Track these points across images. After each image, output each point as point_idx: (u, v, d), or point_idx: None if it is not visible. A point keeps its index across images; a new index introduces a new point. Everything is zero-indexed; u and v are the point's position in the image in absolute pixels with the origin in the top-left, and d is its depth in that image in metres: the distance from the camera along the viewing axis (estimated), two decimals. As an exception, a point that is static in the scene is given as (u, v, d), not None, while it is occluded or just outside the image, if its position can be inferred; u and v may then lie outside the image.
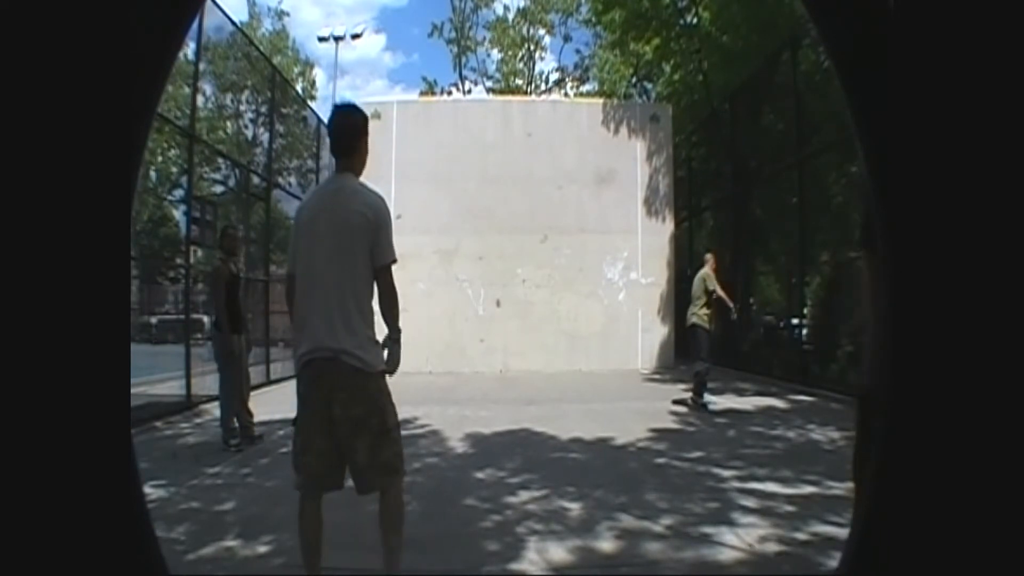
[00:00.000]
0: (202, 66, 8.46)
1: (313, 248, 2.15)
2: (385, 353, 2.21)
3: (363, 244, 2.12)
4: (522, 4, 26.15)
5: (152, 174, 20.47)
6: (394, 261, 2.19)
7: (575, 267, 11.44)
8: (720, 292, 6.66)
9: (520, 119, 11.97)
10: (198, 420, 6.14)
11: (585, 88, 24.31)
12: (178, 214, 22.21)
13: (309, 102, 19.97)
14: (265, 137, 12.33)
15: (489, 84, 25.83)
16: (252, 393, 8.12)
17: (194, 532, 2.88)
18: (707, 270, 6.73)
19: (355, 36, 26.79)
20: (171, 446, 4.88)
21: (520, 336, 11.01)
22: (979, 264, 0.81)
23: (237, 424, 4.87)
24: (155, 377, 7.42)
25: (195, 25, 6.50)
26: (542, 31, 26.15)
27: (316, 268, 2.13)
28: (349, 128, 2.34)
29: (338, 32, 24.66)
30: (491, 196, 11.27)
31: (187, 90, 8.31)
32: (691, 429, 5.35)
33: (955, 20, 0.80)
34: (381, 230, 2.15)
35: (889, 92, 0.83)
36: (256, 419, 5.98)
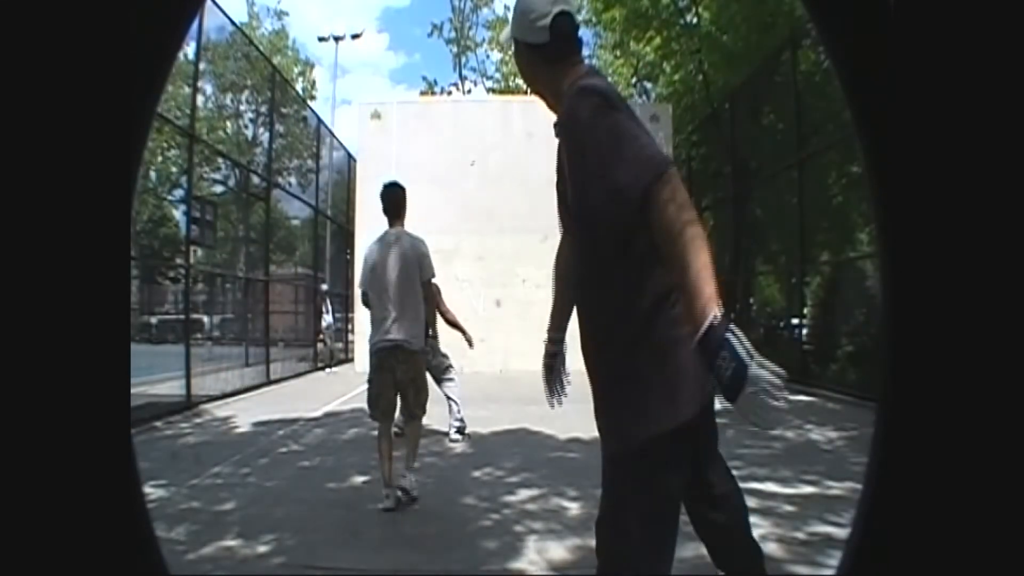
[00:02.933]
0: (202, 66, 8.46)
1: (384, 274, 3.39)
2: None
3: (415, 269, 3.40)
4: (522, 4, 26.12)
5: (152, 174, 20.52)
6: (434, 276, 3.53)
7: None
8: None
9: (520, 119, 11.96)
10: (198, 420, 6.14)
11: (585, 88, 24.29)
12: (178, 214, 22.28)
13: (309, 102, 20.00)
14: (265, 137, 12.34)
15: (489, 84, 25.85)
16: (252, 393, 8.17)
17: (194, 532, 2.88)
18: None
19: (355, 36, 26.84)
20: (171, 446, 4.88)
21: (520, 336, 11.00)
22: (980, 264, 0.81)
23: None
24: (155, 377, 7.41)
25: (195, 25, 6.50)
26: (542, 31, 26.14)
27: (386, 286, 3.38)
28: (397, 199, 3.64)
29: (338, 32, 24.71)
30: (491, 196, 11.27)
31: (187, 90, 8.31)
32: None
33: (955, 20, 0.80)
34: (425, 258, 3.47)
35: (889, 92, 0.83)
36: (256, 419, 6.00)
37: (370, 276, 3.46)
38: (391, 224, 3.59)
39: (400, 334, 3.32)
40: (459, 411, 5.11)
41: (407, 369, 3.37)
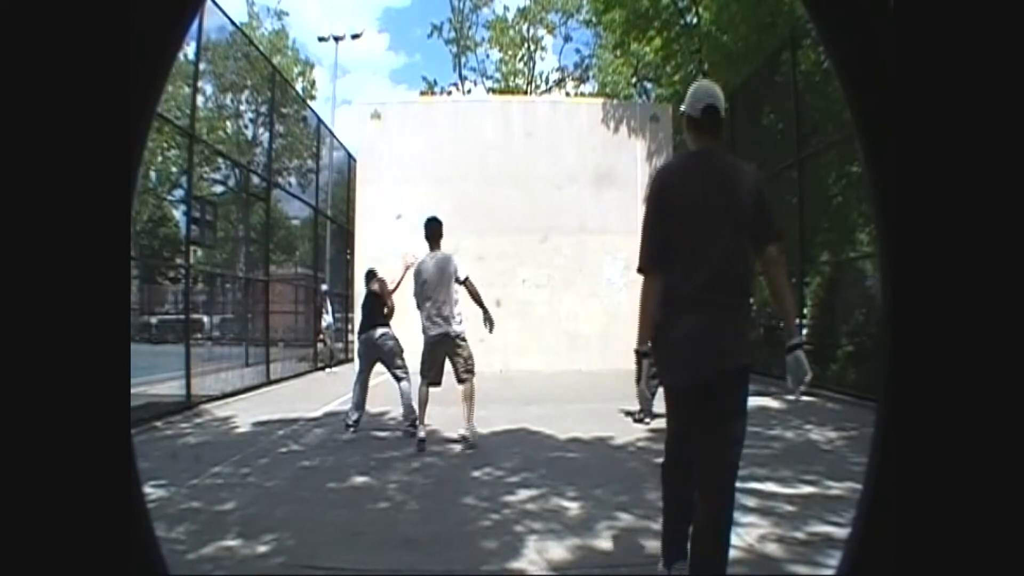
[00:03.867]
0: (202, 66, 8.46)
1: (427, 281, 4.75)
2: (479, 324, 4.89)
3: (450, 276, 4.72)
4: (522, 4, 26.16)
5: (152, 174, 20.51)
6: (467, 277, 4.80)
7: (575, 267, 11.44)
8: None
9: (520, 119, 11.97)
10: (198, 420, 6.14)
11: (585, 88, 24.34)
12: (178, 214, 22.27)
13: (309, 102, 20.00)
14: (265, 137, 12.33)
15: (489, 84, 25.86)
16: (252, 393, 8.17)
17: (194, 532, 2.88)
18: None
19: (355, 36, 26.81)
20: (171, 446, 4.88)
21: (520, 336, 11.00)
22: (980, 264, 0.81)
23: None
24: (155, 377, 7.41)
25: (195, 25, 6.50)
26: (542, 31, 26.17)
27: (428, 290, 4.75)
28: (437, 230, 4.96)
29: (338, 32, 24.68)
30: (491, 196, 11.27)
31: (187, 90, 8.30)
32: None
33: (955, 20, 0.80)
34: (458, 266, 4.76)
35: (889, 92, 0.83)
36: (256, 419, 6.00)
37: (417, 282, 4.83)
38: (432, 247, 4.90)
39: (444, 327, 4.70)
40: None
41: (454, 349, 4.77)
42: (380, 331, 5.41)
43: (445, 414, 5.25)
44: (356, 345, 5.71)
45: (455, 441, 4.73)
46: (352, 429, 5.19)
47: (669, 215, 2.13)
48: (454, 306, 4.74)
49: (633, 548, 2.70)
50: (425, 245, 4.92)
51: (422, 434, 4.63)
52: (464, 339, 4.82)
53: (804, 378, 2.04)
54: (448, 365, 4.85)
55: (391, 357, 5.41)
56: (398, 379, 5.40)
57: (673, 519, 2.19)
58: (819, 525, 2.89)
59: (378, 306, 5.54)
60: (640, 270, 2.17)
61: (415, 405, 5.00)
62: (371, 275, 5.85)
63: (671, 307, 2.05)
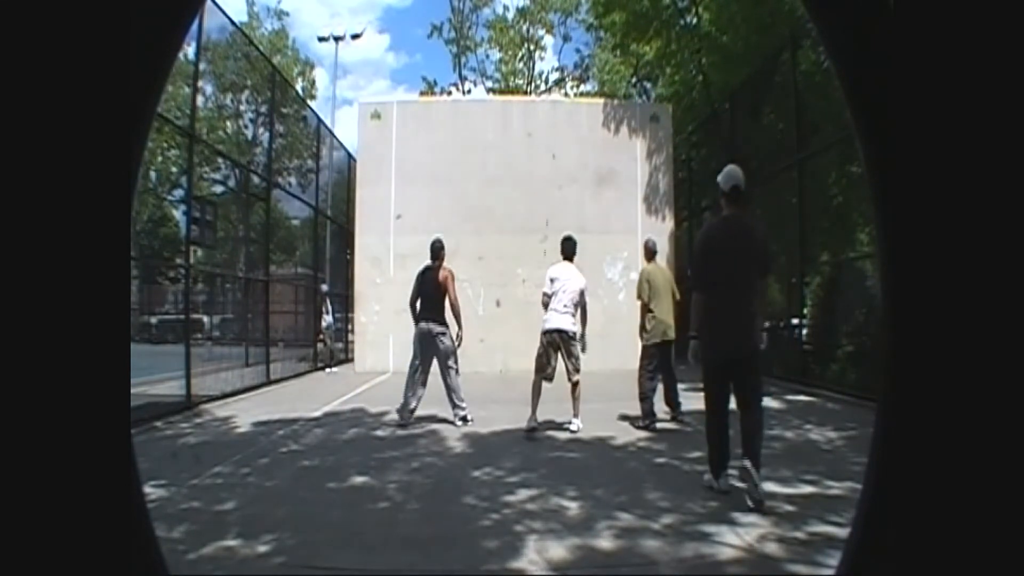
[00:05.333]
0: (202, 66, 8.46)
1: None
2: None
3: (580, 289, 5.75)
4: (522, 4, 26.16)
5: (152, 174, 20.51)
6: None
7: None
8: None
9: (520, 119, 11.95)
10: (198, 420, 6.14)
11: (585, 88, 24.32)
12: (178, 214, 22.28)
13: (309, 102, 20.00)
14: (265, 137, 12.33)
15: (489, 84, 25.85)
16: (252, 393, 8.17)
17: (194, 532, 2.88)
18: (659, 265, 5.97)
19: (355, 36, 26.87)
20: (171, 446, 4.88)
21: (520, 336, 10.97)
22: (979, 264, 0.81)
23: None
24: (155, 377, 7.41)
25: (195, 25, 6.50)
26: (542, 31, 26.17)
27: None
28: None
29: (338, 32, 24.71)
30: (491, 196, 11.26)
31: (187, 90, 8.30)
32: (690, 429, 5.35)
33: (955, 20, 0.80)
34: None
35: (889, 92, 0.83)
36: (256, 419, 6.01)
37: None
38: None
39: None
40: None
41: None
42: (438, 328, 5.61)
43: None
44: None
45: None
46: (404, 423, 5.52)
47: (711, 258, 3.55)
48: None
49: (633, 548, 2.70)
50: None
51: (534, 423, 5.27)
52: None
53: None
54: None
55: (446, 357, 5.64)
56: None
57: (716, 449, 3.52)
58: (819, 525, 2.89)
59: (439, 297, 5.61)
60: (695, 289, 3.60)
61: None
62: (438, 248, 5.84)
63: (712, 311, 3.49)
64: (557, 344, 5.39)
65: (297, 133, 13.99)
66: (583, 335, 5.64)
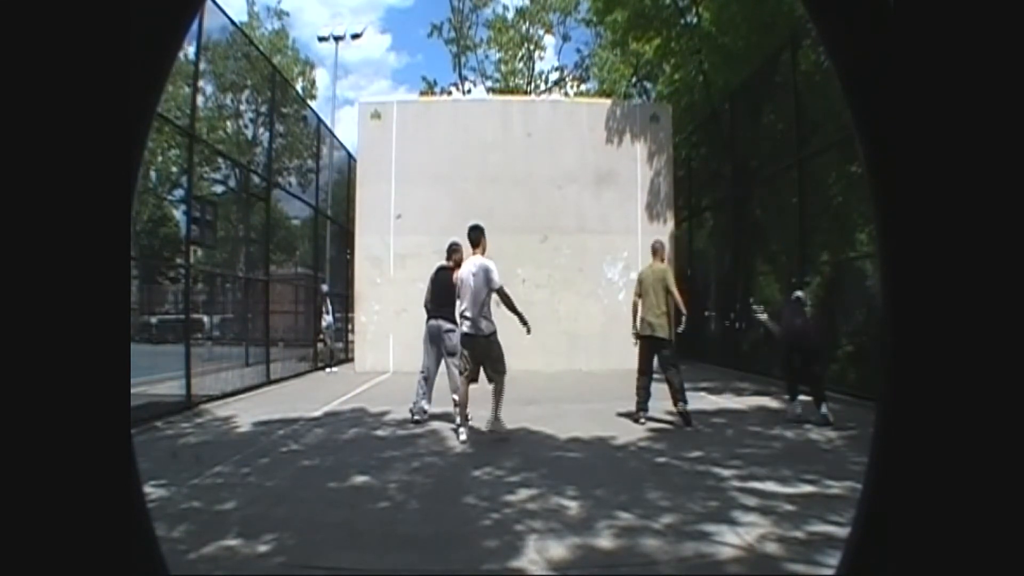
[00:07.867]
0: (202, 66, 8.46)
1: (466, 285, 5.23)
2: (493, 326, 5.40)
3: (484, 280, 5.16)
4: (521, 4, 26.14)
5: (152, 174, 20.52)
6: (501, 287, 5.24)
7: (575, 267, 11.43)
8: (677, 295, 5.73)
9: (520, 119, 11.95)
10: (198, 420, 6.14)
11: (585, 88, 24.31)
12: (178, 214, 22.28)
13: (309, 102, 19.99)
14: (265, 137, 12.33)
15: (489, 84, 25.84)
16: (252, 393, 8.17)
17: (194, 532, 2.88)
18: (665, 265, 6.00)
19: (355, 36, 26.83)
20: (171, 446, 4.88)
21: (520, 336, 10.99)
22: (979, 264, 0.81)
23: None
24: (155, 377, 7.41)
25: (195, 25, 6.50)
26: (542, 31, 26.15)
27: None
28: (478, 235, 5.45)
29: (338, 32, 24.70)
30: (491, 196, 11.26)
31: (187, 90, 8.30)
32: (690, 429, 5.36)
33: (956, 20, 0.80)
34: (491, 272, 5.20)
35: (889, 92, 0.83)
36: (256, 419, 6.00)
37: (460, 286, 5.34)
38: (475, 251, 5.40)
39: (476, 328, 5.17)
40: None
41: (485, 349, 5.22)
42: (447, 325, 5.62)
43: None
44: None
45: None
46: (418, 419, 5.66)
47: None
48: (487, 306, 5.35)
49: (633, 548, 2.70)
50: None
51: (464, 438, 5.01)
52: (495, 337, 5.33)
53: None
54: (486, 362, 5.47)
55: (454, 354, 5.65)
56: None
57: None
58: (819, 525, 2.89)
59: (451, 296, 5.61)
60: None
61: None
62: (453, 250, 5.88)
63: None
64: (475, 346, 5.21)
65: (297, 133, 13.98)
66: (523, 321, 5.29)
